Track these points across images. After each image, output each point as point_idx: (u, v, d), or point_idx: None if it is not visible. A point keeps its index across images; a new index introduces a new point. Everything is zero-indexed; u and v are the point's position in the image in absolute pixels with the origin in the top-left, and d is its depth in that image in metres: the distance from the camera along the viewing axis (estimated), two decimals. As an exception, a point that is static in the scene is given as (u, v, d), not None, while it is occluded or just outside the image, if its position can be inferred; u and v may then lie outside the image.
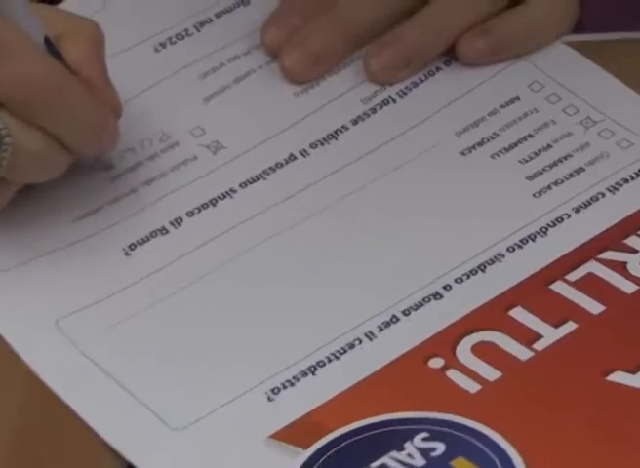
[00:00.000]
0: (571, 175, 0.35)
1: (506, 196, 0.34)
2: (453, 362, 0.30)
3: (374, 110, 0.37)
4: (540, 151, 0.36)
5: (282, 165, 0.35)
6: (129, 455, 0.29)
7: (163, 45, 0.38)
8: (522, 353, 0.30)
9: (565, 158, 0.35)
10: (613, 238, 0.33)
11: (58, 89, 0.34)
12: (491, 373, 0.30)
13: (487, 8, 0.39)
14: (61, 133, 0.34)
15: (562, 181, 0.34)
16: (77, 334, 0.31)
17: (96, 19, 0.36)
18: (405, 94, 0.37)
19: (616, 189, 0.34)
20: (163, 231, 0.34)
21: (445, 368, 0.30)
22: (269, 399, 0.30)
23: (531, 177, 0.35)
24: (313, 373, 0.30)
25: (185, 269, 0.33)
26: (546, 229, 0.33)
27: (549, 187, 0.34)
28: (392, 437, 0.29)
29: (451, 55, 0.38)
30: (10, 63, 0.33)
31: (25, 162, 0.34)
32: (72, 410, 0.30)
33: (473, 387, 0.30)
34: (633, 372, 0.29)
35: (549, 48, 0.38)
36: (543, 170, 0.35)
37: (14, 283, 0.33)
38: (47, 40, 0.35)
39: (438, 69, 0.38)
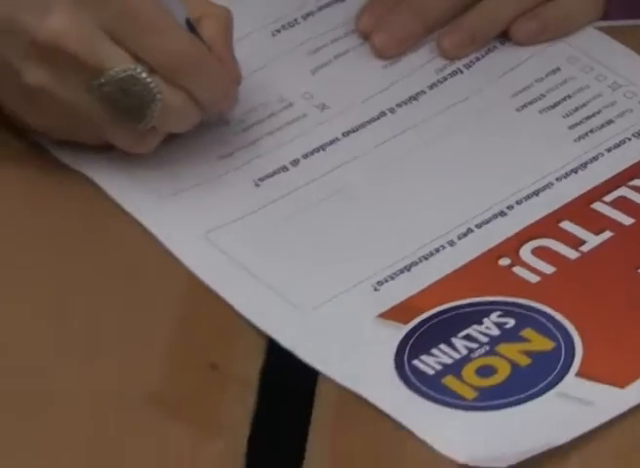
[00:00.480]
0: (602, 126, 0.44)
1: (554, 141, 0.44)
2: (517, 260, 0.39)
3: (445, 78, 0.46)
4: (577, 108, 0.45)
5: (375, 119, 0.45)
6: (268, 330, 0.38)
7: (278, 31, 0.48)
8: (571, 254, 0.39)
9: (598, 112, 0.44)
10: (638, 170, 0.42)
11: (196, 59, 0.43)
12: (547, 268, 0.39)
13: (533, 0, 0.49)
14: (197, 93, 0.43)
15: (596, 130, 0.44)
16: (222, 242, 0.40)
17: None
18: (470, 66, 0.47)
19: (638, 135, 0.43)
20: (284, 169, 0.43)
21: (511, 265, 0.39)
22: (375, 289, 0.39)
23: (571, 127, 0.44)
24: (409, 270, 0.39)
25: (303, 195, 0.42)
26: (586, 164, 0.42)
27: (587, 134, 0.44)
28: (473, 314, 0.38)
29: (505, 36, 0.48)
30: (161, 38, 0.42)
31: (170, 114, 0.43)
32: (223, 299, 0.39)
33: (534, 278, 0.38)
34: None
35: (583, 31, 0.48)
36: (581, 121, 0.44)
37: (170, 206, 0.42)
38: (188, 21, 0.43)
39: (495, 47, 0.48)
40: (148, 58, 0.43)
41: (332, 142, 0.44)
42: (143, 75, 0.42)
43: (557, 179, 0.42)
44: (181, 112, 0.43)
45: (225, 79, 0.44)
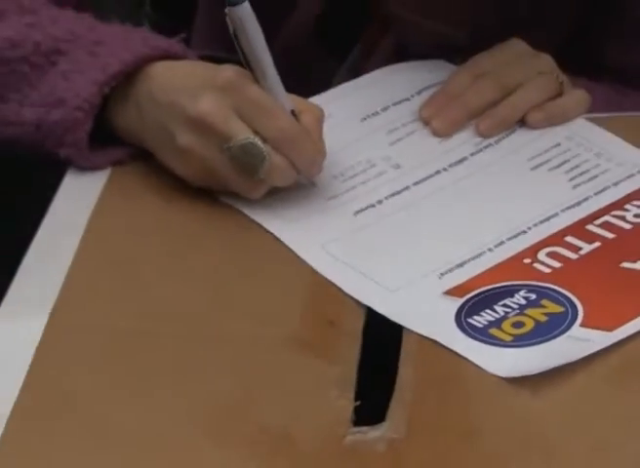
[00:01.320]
0: (590, 179, 0.63)
1: (559, 188, 0.62)
2: (536, 260, 0.57)
3: (480, 150, 0.66)
4: (573, 168, 0.64)
5: (434, 175, 0.64)
6: (368, 303, 0.55)
7: (364, 119, 0.68)
8: (572, 255, 0.57)
9: (587, 171, 0.64)
10: (616, 206, 0.61)
11: (295, 137, 0.61)
12: (556, 264, 0.56)
13: (546, 97, 0.68)
14: (294, 159, 0.60)
15: (587, 181, 0.63)
16: (333, 250, 0.58)
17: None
18: (498, 142, 0.67)
19: (616, 184, 0.62)
20: (372, 206, 0.62)
21: (532, 262, 0.56)
22: (439, 278, 0.56)
23: (570, 180, 0.63)
24: (462, 267, 0.57)
25: (386, 220, 0.61)
26: (580, 203, 0.61)
27: (580, 184, 0.62)
28: (507, 292, 0.55)
29: (522, 121, 0.68)
30: (272, 120, 0.60)
31: (274, 172, 0.60)
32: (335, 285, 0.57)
33: (548, 270, 0.56)
34: None
35: (576, 120, 0.68)
36: (576, 177, 0.63)
37: (300, 227, 0.60)
38: (293, 112, 0.61)
39: (515, 129, 0.67)
40: (263, 132, 0.60)
41: (405, 189, 0.63)
42: (259, 143, 0.59)
43: (562, 211, 0.60)
44: (283, 171, 0.61)
45: (315, 153, 0.62)
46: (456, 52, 0.73)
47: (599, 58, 0.78)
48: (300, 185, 0.62)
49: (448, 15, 0.75)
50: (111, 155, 0.66)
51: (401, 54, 0.76)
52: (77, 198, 0.64)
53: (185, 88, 0.61)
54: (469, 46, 0.73)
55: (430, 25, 0.74)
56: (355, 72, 0.75)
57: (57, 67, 0.65)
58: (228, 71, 0.60)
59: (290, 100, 0.62)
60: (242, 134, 0.60)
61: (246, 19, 0.58)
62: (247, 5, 0.57)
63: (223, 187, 0.62)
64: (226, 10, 0.57)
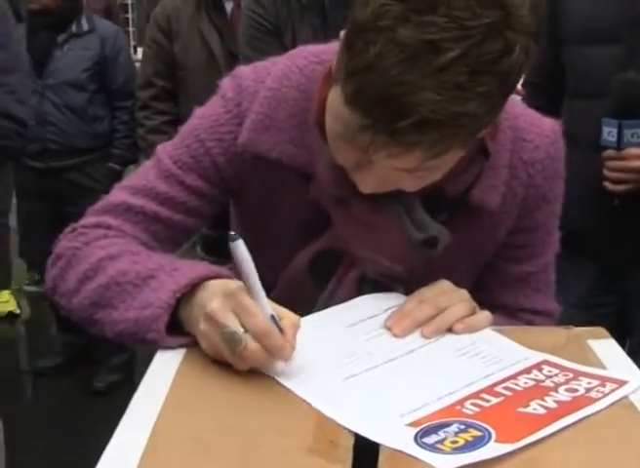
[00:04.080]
0: (495, 362, 0.94)
1: (475, 367, 0.94)
2: (464, 406, 0.87)
3: (425, 344, 0.98)
4: (484, 356, 0.96)
5: (394, 359, 0.95)
6: (355, 429, 0.83)
7: (350, 326, 1.00)
8: (490, 402, 0.87)
9: (493, 358, 0.96)
10: (514, 376, 0.92)
11: (268, 331, 0.86)
12: (478, 407, 0.87)
13: (465, 315, 1.01)
14: (266, 347, 0.86)
15: (493, 364, 0.94)
16: (335, 399, 0.88)
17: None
18: (437, 340, 0.99)
19: (512, 365, 0.94)
20: (357, 375, 0.92)
21: (462, 407, 0.87)
22: (401, 416, 0.86)
23: (483, 363, 0.94)
24: (419, 409, 0.86)
25: (361, 379, 0.91)
26: (490, 375, 0.92)
27: (488, 365, 0.94)
28: (447, 424, 0.84)
29: (451, 329, 1.01)
30: (254, 319, 0.87)
31: (251, 353, 0.86)
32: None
33: (472, 411, 0.86)
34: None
35: (484, 329, 1.02)
36: (486, 361, 0.95)
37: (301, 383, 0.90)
38: (272, 316, 0.88)
39: (445, 334, 1.00)
40: (246, 326, 0.87)
41: (375, 367, 0.93)
42: (240, 333, 0.86)
43: (478, 380, 0.91)
44: (255, 353, 0.86)
45: (283, 344, 0.87)
46: (398, 280, 1.08)
47: (491, 298, 1.15)
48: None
49: (392, 255, 1.09)
50: (180, 340, 0.96)
51: (362, 281, 1.11)
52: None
53: (212, 292, 0.93)
54: (407, 276, 1.08)
55: (381, 261, 1.09)
56: (330, 297, 1.09)
57: (149, 285, 0.97)
58: (232, 284, 0.92)
59: (270, 308, 0.89)
60: (232, 325, 0.87)
61: (240, 251, 0.88)
62: (241, 242, 0.88)
63: (222, 359, 0.89)
64: (229, 244, 0.88)
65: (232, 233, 0.88)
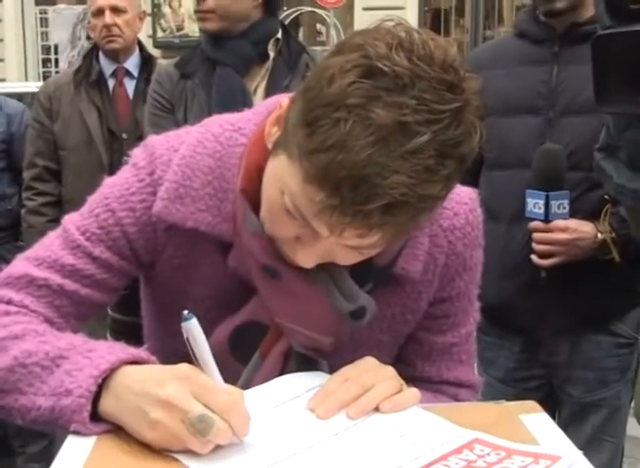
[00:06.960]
0: (424, 442, 0.89)
1: (404, 447, 0.88)
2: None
3: (350, 426, 0.92)
4: (412, 436, 0.90)
5: (321, 441, 0.89)
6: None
7: (275, 406, 0.95)
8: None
9: (421, 438, 0.90)
10: (444, 456, 0.87)
11: (233, 405, 0.84)
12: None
13: (392, 393, 0.96)
14: (232, 423, 0.84)
15: (423, 444, 0.89)
16: None
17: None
18: (363, 421, 0.93)
19: (441, 445, 0.89)
20: (275, 464, 0.85)
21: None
22: None
23: (411, 443, 0.89)
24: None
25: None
26: (420, 455, 0.87)
27: (417, 447, 0.88)
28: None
29: (377, 409, 0.95)
30: (215, 398, 0.84)
31: (219, 433, 0.83)
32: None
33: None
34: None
35: (411, 407, 0.97)
36: (414, 441, 0.89)
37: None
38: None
39: (371, 414, 0.95)
40: (211, 405, 0.83)
41: (299, 452, 0.87)
42: (210, 414, 0.83)
43: (407, 463, 0.86)
44: (225, 432, 0.83)
45: (247, 422, 0.86)
46: (324, 353, 1.04)
47: (414, 371, 1.11)
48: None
49: (319, 326, 1.04)
50: (103, 427, 0.88)
51: (287, 354, 1.06)
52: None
53: (154, 379, 0.87)
54: (332, 349, 1.03)
55: (307, 333, 1.04)
56: (254, 371, 1.04)
57: (61, 367, 0.90)
58: (184, 366, 0.87)
59: (220, 379, 0.87)
60: (197, 408, 0.83)
61: (194, 331, 0.86)
62: (195, 321, 0.86)
63: (181, 448, 0.84)
64: (182, 324, 0.86)
65: (185, 312, 0.86)
